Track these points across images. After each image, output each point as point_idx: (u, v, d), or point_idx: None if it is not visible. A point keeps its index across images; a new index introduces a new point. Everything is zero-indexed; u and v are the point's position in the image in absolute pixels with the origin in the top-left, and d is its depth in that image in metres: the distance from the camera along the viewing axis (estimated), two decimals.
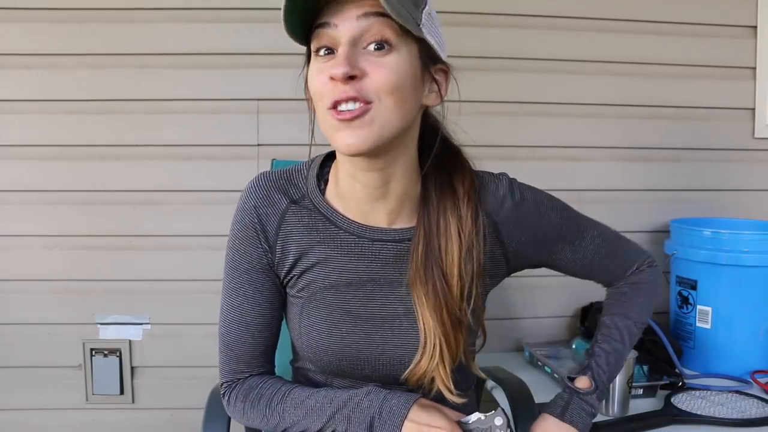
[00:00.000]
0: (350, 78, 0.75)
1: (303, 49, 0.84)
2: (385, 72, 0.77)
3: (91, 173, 1.72)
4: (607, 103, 1.83)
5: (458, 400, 0.89)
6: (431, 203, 0.88)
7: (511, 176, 0.96)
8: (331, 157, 0.95)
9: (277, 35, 1.82)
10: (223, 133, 1.73)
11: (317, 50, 0.79)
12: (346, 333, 0.90)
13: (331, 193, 0.92)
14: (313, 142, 0.91)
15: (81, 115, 1.71)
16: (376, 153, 0.81)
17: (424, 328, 0.87)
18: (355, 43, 0.77)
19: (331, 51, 0.78)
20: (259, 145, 1.74)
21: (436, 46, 0.82)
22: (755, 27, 1.84)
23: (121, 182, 1.73)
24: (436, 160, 0.89)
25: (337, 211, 0.90)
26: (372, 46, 0.77)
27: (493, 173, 0.95)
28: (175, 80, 1.71)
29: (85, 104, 1.70)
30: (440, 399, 0.89)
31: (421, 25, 0.79)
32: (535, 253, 0.97)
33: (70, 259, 1.74)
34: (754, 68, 1.86)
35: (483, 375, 0.97)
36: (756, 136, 1.88)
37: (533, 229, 0.95)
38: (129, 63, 1.70)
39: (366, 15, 0.76)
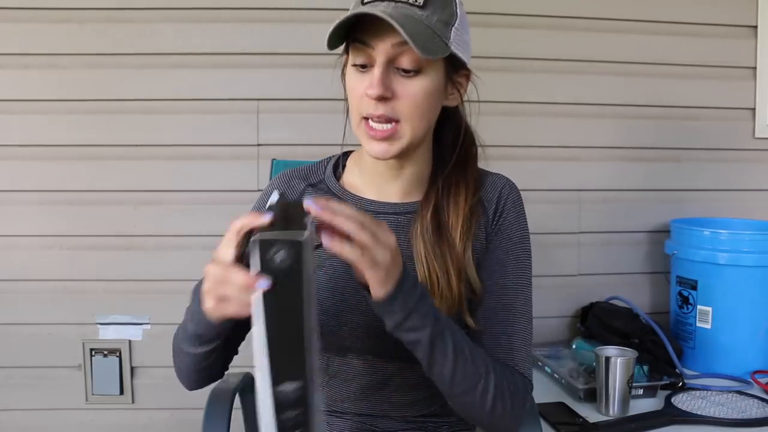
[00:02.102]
0: (382, 98, 0.85)
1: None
2: (413, 96, 0.87)
3: (90, 173, 1.72)
4: (607, 103, 1.83)
5: None
6: (447, 170, 0.97)
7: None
8: (350, 152, 1.06)
9: (277, 35, 1.84)
10: (223, 133, 1.73)
11: (355, 63, 0.88)
12: (348, 295, 0.95)
13: (347, 176, 1.02)
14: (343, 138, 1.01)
15: (81, 115, 1.71)
16: (400, 157, 0.92)
17: (429, 276, 0.91)
18: (389, 63, 0.86)
19: (367, 65, 0.87)
20: (259, 145, 1.74)
21: (461, 55, 0.91)
22: (755, 27, 1.84)
23: (121, 182, 1.73)
24: (455, 143, 0.99)
25: (346, 191, 1.00)
26: (404, 68, 0.86)
27: (500, 174, 1.03)
28: (175, 80, 1.71)
29: (85, 104, 1.70)
30: None
31: (449, 44, 0.87)
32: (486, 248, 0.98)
33: (70, 259, 1.74)
34: (754, 68, 1.86)
35: (474, 325, 0.94)
36: (756, 136, 1.88)
37: (501, 228, 0.98)
38: (129, 63, 1.70)
39: (401, 44, 0.84)
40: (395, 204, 0.98)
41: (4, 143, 1.71)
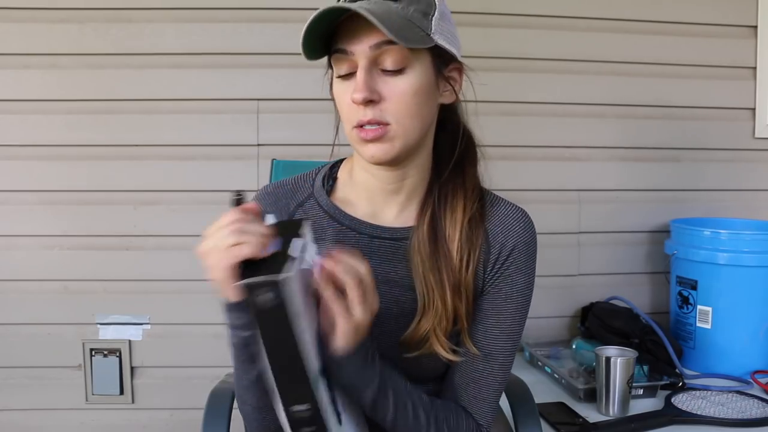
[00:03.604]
0: (370, 101, 0.82)
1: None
2: (401, 94, 0.83)
3: (90, 173, 1.72)
4: (607, 103, 1.83)
5: (454, 358, 0.91)
6: (444, 179, 0.93)
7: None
8: (342, 161, 1.00)
9: (277, 35, 1.84)
10: (223, 133, 1.73)
11: (339, 75, 0.85)
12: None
13: (339, 191, 0.96)
14: (335, 142, 0.97)
15: (81, 115, 1.71)
16: (397, 162, 0.88)
17: (426, 291, 0.89)
18: (371, 65, 0.83)
19: (351, 73, 0.84)
20: (259, 145, 1.74)
21: (449, 46, 0.86)
22: (755, 27, 1.84)
23: (121, 182, 1.73)
24: (453, 149, 0.94)
25: (339, 209, 0.93)
26: (388, 68, 0.83)
27: (515, 206, 0.97)
28: (175, 80, 1.71)
29: (85, 104, 1.70)
30: (432, 357, 0.90)
31: (432, 34, 0.84)
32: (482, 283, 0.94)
33: (70, 259, 1.74)
34: (754, 68, 1.86)
35: (476, 351, 0.92)
36: (756, 136, 1.88)
37: (505, 274, 0.93)
38: (129, 63, 1.70)
39: (378, 45, 0.81)
40: (392, 228, 0.93)
41: (4, 143, 1.71)
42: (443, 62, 0.88)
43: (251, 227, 0.71)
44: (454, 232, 0.90)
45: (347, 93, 0.84)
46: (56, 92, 1.70)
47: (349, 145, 0.95)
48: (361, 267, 0.76)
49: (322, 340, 0.77)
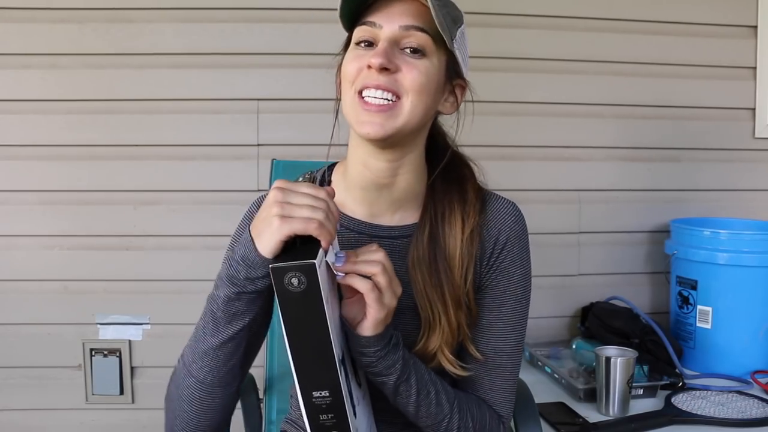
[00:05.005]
0: (384, 69, 0.83)
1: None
2: (417, 72, 0.84)
3: (90, 173, 1.72)
4: (607, 103, 1.83)
5: (463, 373, 0.92)
6: (438, 193, 0.94)
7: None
8: (335, 164, 1.01)
9: (277, 35, 1.83)
10: (223, 133, 1.73)
11: (358, 42, 0.87)
12: None
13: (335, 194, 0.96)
14: (332, 141, 0.97)
15: (81, 115, 1.71)
16: (390, 144, 0.88)
17: (430, 307, 0.90)
18: (394, 42, 0.85)
19: (370, 44, 0.86)
20: (259, 145, 1.74)
21: (461, 62, 0.90)
22: (755, 27, 1.84)
23: (121, 182, 1.73)
24: (445, 165, 0.95)
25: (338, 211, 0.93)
26: (408, 49, 0.85)
27: (506, 200, 0.98)
28: (175, 80, 1.71)
29: (85, 104, 1.70)
30: (440, 372, 0.92)
31: (454, 41, 0.86)
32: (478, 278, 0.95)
33: (70, 259, 1.74)
34: (754, 68, 1.86)
35: (480, 356, 0.94)
36: (756, 136, 1.88)
37: (501, 267, 0.95)
38: (129, 63, 1.70)
39: (407, 27, 0.84)
40: (390, 227, 0.94)
41: (4, 143, 1.71)
42: (454, 73, 0.91)
43: (333, 215, 0.75)
44: (455, 247, 0.91)
45: (361, 59, 0.85)
46: (56, 92, 1.70)
47: (346, 145, 0.95)
48: (379, 254, 0.79)
49: (340, 333, 0.78)
